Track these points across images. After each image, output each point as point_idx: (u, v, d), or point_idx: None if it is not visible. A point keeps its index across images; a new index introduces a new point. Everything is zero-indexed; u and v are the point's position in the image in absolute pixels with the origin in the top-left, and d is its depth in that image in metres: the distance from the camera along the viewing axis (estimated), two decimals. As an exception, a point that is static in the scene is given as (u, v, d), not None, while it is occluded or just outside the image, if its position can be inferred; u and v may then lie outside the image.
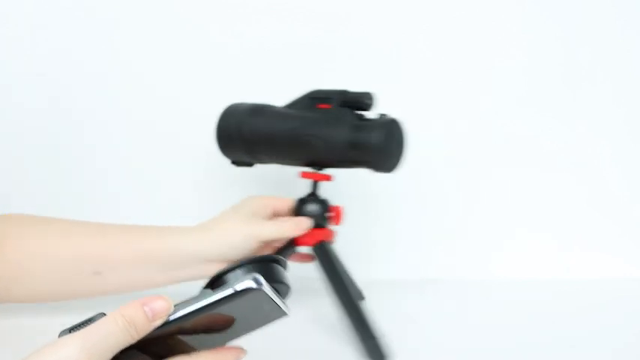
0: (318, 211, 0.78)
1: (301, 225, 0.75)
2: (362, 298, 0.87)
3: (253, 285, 0.42)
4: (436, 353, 0.73)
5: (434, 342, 0.76)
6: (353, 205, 1.03)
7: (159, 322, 0.42)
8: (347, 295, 0.74)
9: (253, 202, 0.77)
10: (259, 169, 0.86)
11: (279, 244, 0.77)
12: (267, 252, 0.76)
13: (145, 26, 1.00)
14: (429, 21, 1.02)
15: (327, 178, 0.80)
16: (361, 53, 1.02)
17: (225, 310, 0.43)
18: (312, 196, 0.79)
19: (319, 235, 0.78)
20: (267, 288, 0.43)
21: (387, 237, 1.04)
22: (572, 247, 1.02)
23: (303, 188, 0.81)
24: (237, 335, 0.48)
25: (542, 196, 1.04)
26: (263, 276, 0.43)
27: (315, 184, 0.80)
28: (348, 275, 0.84)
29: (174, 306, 0.43)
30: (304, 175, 0.80)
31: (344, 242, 1.03)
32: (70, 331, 0.43)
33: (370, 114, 0.79)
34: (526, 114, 1.03)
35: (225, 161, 0.84)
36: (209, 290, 0.45)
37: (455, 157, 1.04)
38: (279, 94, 0.83)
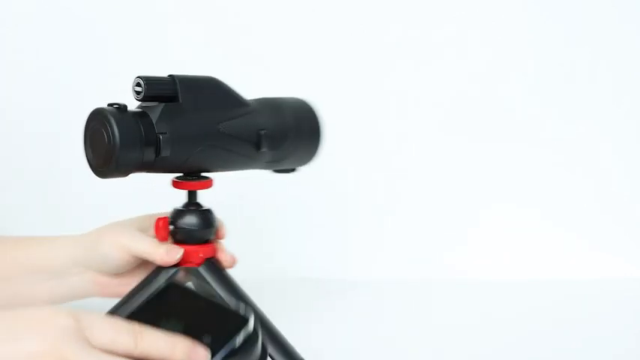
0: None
1: (171, 254, 0.65)
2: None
3: None
4: (436, 353, 0.73)
5: (433, 342, 0.76)
6: (349, 203, 1.04)
7: None
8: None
9: (146, 217, 0.71)
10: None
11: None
12: (147, 269, 0.68)
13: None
14: (433, 23, 1.02)
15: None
16: (369, 51, 1.02)
17: None
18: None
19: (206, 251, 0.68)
20: None
21: (390, 236, 1.04)
22: (573, 247, 1.02)
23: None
24: None
25: (542, 195, 1.03)
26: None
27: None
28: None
29: None
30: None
31: (338, 242, 1.03)
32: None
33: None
34: (527, 113, 1.03)
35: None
36: None
37: (456, 158, 1.04)
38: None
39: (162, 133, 0.61)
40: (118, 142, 0.59)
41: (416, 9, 1.02)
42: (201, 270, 0.67)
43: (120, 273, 0.69)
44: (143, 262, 0.68)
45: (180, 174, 0.67)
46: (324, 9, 1.02)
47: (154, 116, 0.62)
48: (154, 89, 0.62)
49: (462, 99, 1.03)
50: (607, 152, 1.03)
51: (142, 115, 0.62)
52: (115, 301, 0.66)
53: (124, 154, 0.59)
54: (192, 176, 0.67)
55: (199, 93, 0.65)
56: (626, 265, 1.00)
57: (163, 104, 0.63)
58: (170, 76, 0.64)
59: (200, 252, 0.67)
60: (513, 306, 0.88)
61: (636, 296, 0.91)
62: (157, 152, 0.61)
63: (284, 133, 0.68)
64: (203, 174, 0.68)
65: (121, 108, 0.61)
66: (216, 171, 0.68)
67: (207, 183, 0.67)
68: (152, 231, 0.68)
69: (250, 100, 0.69)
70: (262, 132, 0.66)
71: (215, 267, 0.68)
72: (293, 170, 0.72)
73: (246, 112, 0.67)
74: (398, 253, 1.03)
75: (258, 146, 0.66)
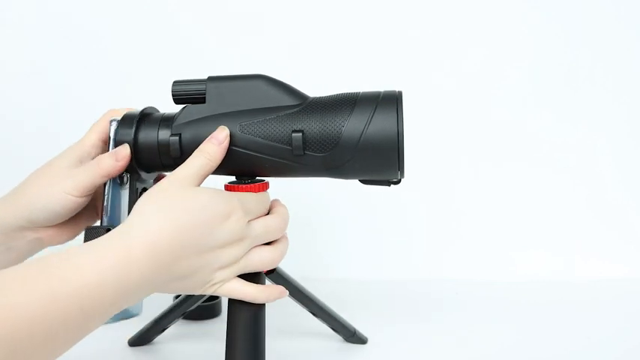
0: None
1: (120, 154, 0.61)
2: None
3: None
4: (434, 353, 0.73)
5: (433, 342, 0.76)
6: (353, 206, 1.04)
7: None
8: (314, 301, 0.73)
9: (77, 148, 0.64)
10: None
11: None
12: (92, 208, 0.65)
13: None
14: (435, 25, 1.02)
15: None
16: (373, 55, 1.02)
17: None
18: None
19: None
20: None
21: (388, 238, 1.05)
22: (572, 248, 1.02)
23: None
24: None
25: (542, 196, 1.04)
26: None
27: None
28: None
29: None
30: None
31: (346, 243, 1.04)
32: None
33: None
34: (527, 116, 1.03)
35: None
36: None
37: (457, 161, 1.04)
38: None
39: (174, 135, 0.61)
40: (136, 145, 0.62)
41: (415, 9, 1.02)
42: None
43: (67, 218, 0.63)
44: (95, 197, 0.63)
45: (233, 177, 0.63)
46: (325, 10, 1.02)
47: (175, 118, 0.62)
48: (180, 91, 0.61)
49: (461, 99, 1.03)
50: (607, 154, 1.03)
51: (166, 118, 0.62)
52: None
53: (141, 156, 0.62)
54: (245, 179, 0.63)
55: (229, 93, 0.61)
56: (626, 265, 1.00)
57: (186, 106, 0.62)
58: (209, 77, 0.62)
59: None
60: (513, 306, 0.88)
61: (636, 296, 0.92)
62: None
63: (332, 136, 0.59)
64: (258, 177, 0.63)
65: (145, 113, 0.63)
66: (260, 174, 0.62)
67: (258, 187, 0.62)
68: (91, 154, 0.63)
69: (314, 98, 0.62)
70: (296, 134, 0.59)
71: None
72: (387, 183, 0.64)
73: (287, 113, 0.60)
74: (396, 253, 1.04)
75: (294, 149, 0.59)
